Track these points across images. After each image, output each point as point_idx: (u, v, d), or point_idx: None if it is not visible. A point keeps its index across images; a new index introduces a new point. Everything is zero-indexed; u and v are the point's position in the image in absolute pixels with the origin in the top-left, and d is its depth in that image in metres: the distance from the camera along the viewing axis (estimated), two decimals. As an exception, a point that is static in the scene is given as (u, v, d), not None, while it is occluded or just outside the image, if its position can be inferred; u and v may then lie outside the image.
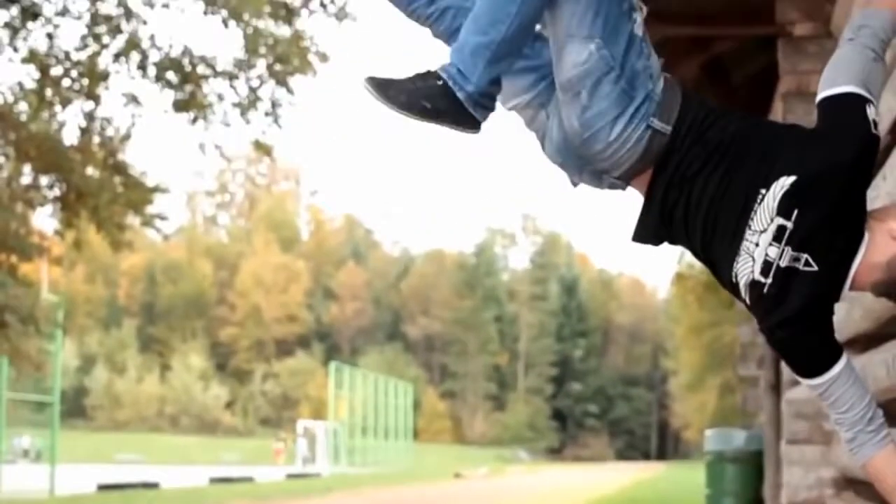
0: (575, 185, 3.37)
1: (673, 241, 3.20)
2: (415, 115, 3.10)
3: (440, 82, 3.06)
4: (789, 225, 2.93)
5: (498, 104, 3.22)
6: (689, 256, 26.34)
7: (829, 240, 2.93)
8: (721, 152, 3.03)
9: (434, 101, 3.07)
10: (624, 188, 3.20)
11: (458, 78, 3.06)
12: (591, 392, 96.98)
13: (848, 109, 2.97)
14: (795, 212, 2.92)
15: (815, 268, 2.93)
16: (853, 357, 5.37)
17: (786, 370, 8.05)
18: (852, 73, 3.01)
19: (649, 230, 3.19)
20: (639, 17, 3.06)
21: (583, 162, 3.17)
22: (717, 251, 3.09)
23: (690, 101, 3.10)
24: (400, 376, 68.30)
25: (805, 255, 2.93)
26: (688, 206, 3.07)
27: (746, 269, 3.01)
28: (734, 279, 3.04)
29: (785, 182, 2.93)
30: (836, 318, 5.37)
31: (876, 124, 2.96)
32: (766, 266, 2.97)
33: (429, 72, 3.10)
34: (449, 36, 3.26)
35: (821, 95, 3.03)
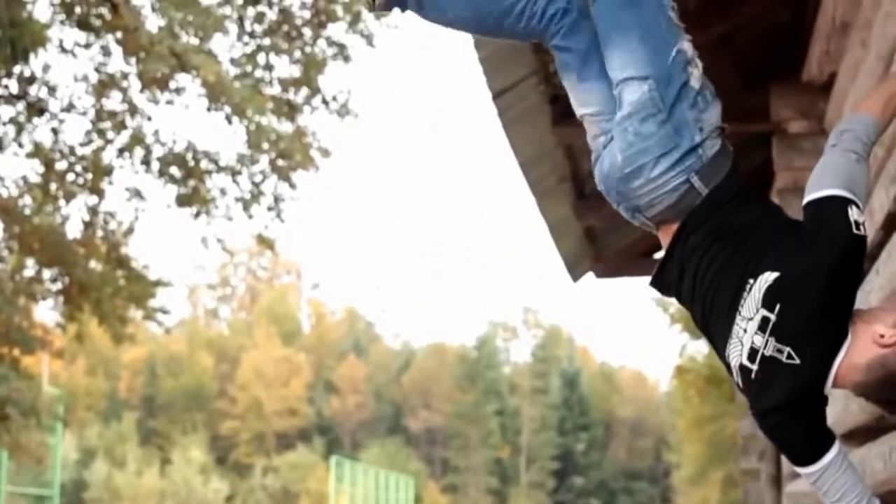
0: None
1: (681, 301, 3.30)
2: None
3: None
4: (772, 317, 3.02)
5: None
6: (690, 349, 26.27)
7: (811, 336, 3.01)
8: (732, 234, 3.15)
9: None
10: (654, 231, 3.33)
11: None
12: (593, 486, 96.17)
13: (830, 212, 3.06)
14: (778, 306, 3.00)
15: (797, 361, 3.01)
16: (851, 450, 5.40)
17: (786, 463, 8.07)
18: (835, 177, 3.11)
19: (665, 281, 3.31)
20: (695, 71, 3.22)
21: (621, 197, 3.29)
22: (713, 328, 3.20)
23: (735, 176, 3.23)
24: (401, 470, 67.79)
25: (788, 349, 3.00)
26: (695, 277, 3.20)
27: (736, 352, 3.10)
28: (727, 359, 3.13)
29: (769, 277, 3.03)
30: (833, 411, 5.42)
31: (858, 225, 3.04)
32: (753, 353, 3.06)
33: None
34: (550, 38, 3.40)
35: (805, 199, 3.12)
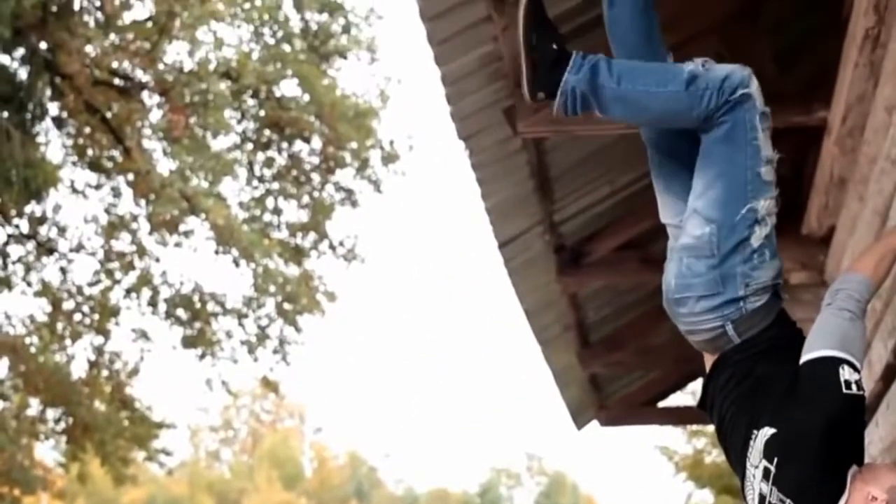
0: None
1: (713, 424, 3.42)
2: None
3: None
4: (773, 469, 3.08)
5: None
6: (695, 499, 26.03)
7: (808, 491, 3.07)
8: (749, 384, 3.25)
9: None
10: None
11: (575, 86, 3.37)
12: None
13: (821, 373, 3.15)
14: (776, 460, 3.07)
15: None
16: None
17: None
18: (829, 337, 3.19)
19: (705, 408, 3.43)
20: (761, 230, 3.31)
21: (671, 313, 3.42)
22: (734, 465, 3.30)
23: (773, 329, 3.32)
24: None
25: (789, 500, 3.05)
26: (720, 416, 3.32)
27: (750, 494, 3.18)
28: (746, 499, 3.19)
29: (767, 432, 3.11)
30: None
31: (849, 384, 3.10)
32: (762, 499, 3.13)
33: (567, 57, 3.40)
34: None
35: (801, 360, 3.19)
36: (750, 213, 3.29)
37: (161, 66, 16.22)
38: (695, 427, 17.17)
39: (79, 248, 16.62)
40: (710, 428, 3.46)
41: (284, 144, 17.06)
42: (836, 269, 6.38)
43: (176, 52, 16.71)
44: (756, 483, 3.13)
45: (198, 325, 16.70)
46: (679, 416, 10.86)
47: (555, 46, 3.43)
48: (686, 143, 3.45)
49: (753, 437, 3.14)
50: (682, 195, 3.45)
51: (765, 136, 3.37)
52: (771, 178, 3.37)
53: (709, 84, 3.32)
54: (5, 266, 16.24)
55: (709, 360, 3.40)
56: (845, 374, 3.11)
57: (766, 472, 3.09)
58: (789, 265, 6.93)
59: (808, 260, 6.85)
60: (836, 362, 3.14)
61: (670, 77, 3.36)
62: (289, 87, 16.90)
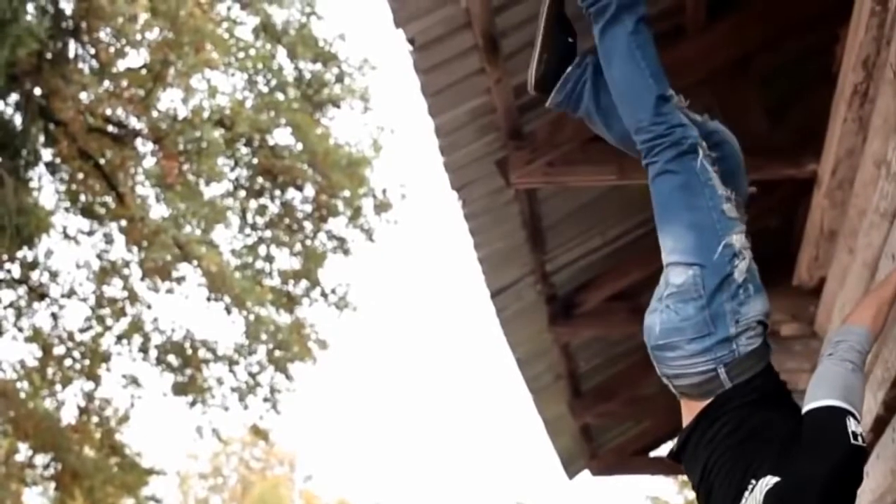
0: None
1: (689, 477, 3.36)
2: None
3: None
4: None
5: None
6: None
7: None
8: (742, 434, 3.20)
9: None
10: (679, 397, 3.40)
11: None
12: None
13: (827, 423, 3.12)
14: None
15: None
16: None
17: None
18: (832, 387, 3.18)
19: (681, 458, 3.38)
20: (741, 264, 3.32)
21: (654, 359, 3.40)
22: None
23: (762, 378, 3.29)
24: None
25: None
26: (704, 468, 3.25)
27: None
28: None
29: (769, 481, 3.06)
30: None
31: (856, 435, 3.09)
32: None
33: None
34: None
35: (804, 408, 3.19)
36: (727, 250, 3.31)
37: (155, 114, 16.28)
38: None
39: (70, 293, 16.62)
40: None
41: (277, 192, 17.10)
42: (826, 321, 6.40)
43: (170, 100, 16.83)
44: None
45: (189, 371, 16.67)
46: (671, 467, 10.77)
47: (570, 40, 3.58)
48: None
49: (750, 487, 3.08)
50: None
51: (716, 175, 3.41)
52: (735, 214, 3.40)
53: (671, 116, 3.41)
54: (-4, 311, 16.23)
55: (688, 410, 3.35)
56: (852, 425, 3.10)
57: None
58: (780, 316, 6.95)
59: (798, 311, 6.87)
60: (842, 413, 3.12)
61: (659, 77, 3.47)
62: (282, 136, 16.98)
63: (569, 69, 3.55)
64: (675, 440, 3.44)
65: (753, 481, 3.09)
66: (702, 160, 3.39)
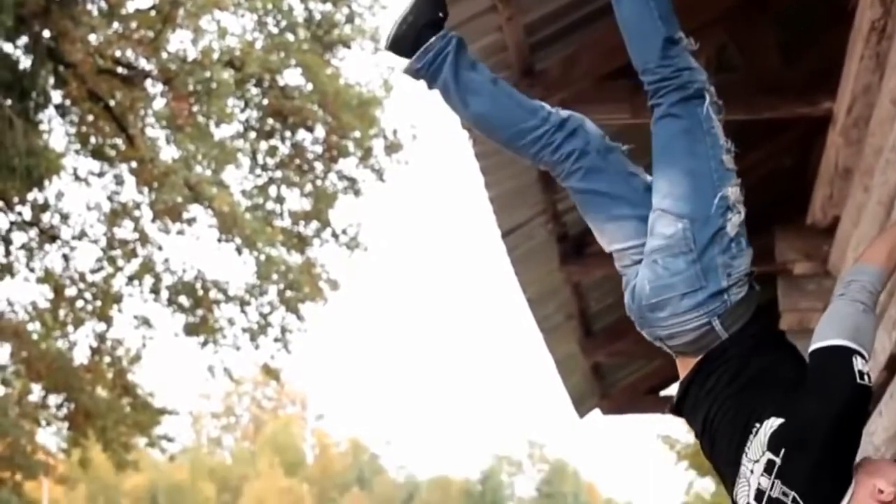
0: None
1: (692, 429, 3.35)
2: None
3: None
4: (778, 461, 3.04)
5: None
6: (696, 487, 26.06)
7: (816, 482, 3.03)
8: (742, 381, 3.19)
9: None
10: (674, 356, 3.37)
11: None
12: None
13: (835, 362, 3.11)
14: (783, 451, 3.03)
15: None
16: None
17: None
18: (841, 327, 3.16)
19: (682, 412, 3.36)
20: (734, 217, 3.26)
21: (645, 322, 3.35)
22: (722, 465, 3.23)
23: (754, 323, 3.27)
24: None
25: (793, 493, 3.02)
26: (705, 418, 3.24)
27: (743, 491, 3.11)
28: (735, 499, 3.16)
29: (774, 423, 3.06)
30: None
31: (863, 375, 3.08)
32: (759, 493, 3.07)
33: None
34: (567, 177, 3.47)
35: (811, 347, 3.17)
36: (722, 202, 3.25)
37: (164, 55, 16.23)
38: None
39: (81, 235, 16.65)
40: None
41: (287, 133, 17.06)
42: (840, 260, 6.38)
43: (179, 41, 16.74)
44: (754, 478, 3.07)
45: (200, 312, 16.72)
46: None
47: (440, 14, 3.48)
48: (610, 171, 3.45)
49: (755, 430, 3.09)
50: (630, 212, 3.40)
51: (720, 124, 3.35)
52: (732, 166, 3.33)
53: (679, 62, 3.35)
54: (8, 253, 16.27)
55: (684, 364, 3.32)
56: (859, 364, 3.09)
57: (770, 465, 3.04)
58: (793, 255, 6.94)
59: (812, 250, 6.84)
60: (849, 352, 3.10)
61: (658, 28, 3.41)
62: (292, 77, 16.92)
63: (432, 39, 3.44)
64: (675, 395, 3.41)
65: (758, 425, 3.09)
66: (707, 107, 3.33)
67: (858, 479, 3.07)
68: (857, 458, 3.12)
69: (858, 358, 3.10)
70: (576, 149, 3.43)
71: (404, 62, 3.50)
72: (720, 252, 3.23)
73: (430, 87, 3.51)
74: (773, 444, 3.06)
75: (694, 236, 3.22)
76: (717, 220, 3.24)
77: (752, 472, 3.09)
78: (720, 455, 3.22)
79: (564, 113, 3.49)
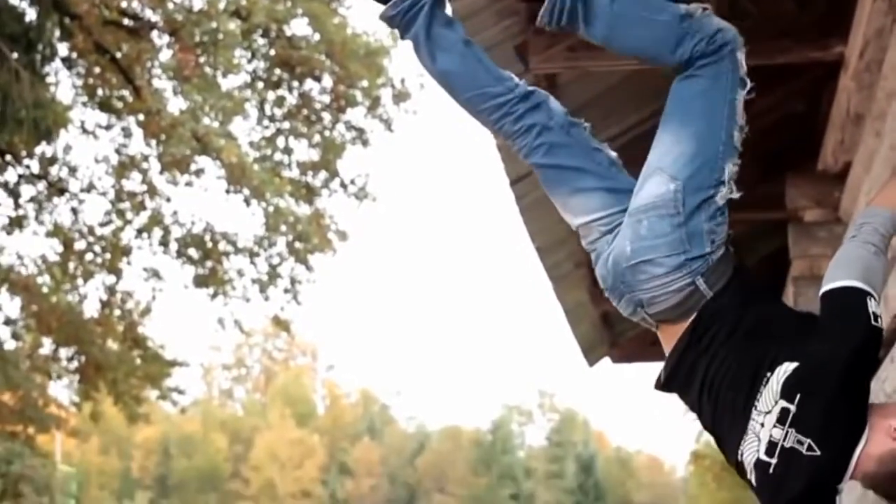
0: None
1: (683, 401, 3.30)
2: None
3: None
4: (792, 408, 3.00)
5: None
6: (706, 435, 26.18)
7: (832, 428, 3.00)
8: (741, 334, 3.14)
9: None
10: (654, 328, 3.30)
11: None
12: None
13: (849, 303, 3.08)
14: (798, 396, 3.00)
15: (818, 453, 2.99)
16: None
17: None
18: (853, 269, 3.13)
19: (671, 384, 3.29)
20: (724, 190, 3.22)
21: (625, 287, 3.27)
22: (725, 428, 3.16)
23: (735, 278, 3.22)
24: (414, 554, 67.22)
25: (809, 440, 2.99)
26: (703, 381, 3.18)
27: (752, 448, 3.07)
28: (740, 457, 3.11)
29: (787, 368, 3.02)
30: (850, 499, 5.39)
31: (876, 317, 3.05)
32: (772, 446, 3.03)
33: None
34: (529, 152, 3.42)
35: (822, 290, 3.14)
36: (718, 174, 3.21)
37: (170, 6, 16.14)
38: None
39: (90, 188, 16.64)
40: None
41: (295, 83, 16.98)
42: (851, 206, 6.33)
43: (185, -9, 16.62)
44: (764, 431, 3.03)
45: (209, 264, 16.73)
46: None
47: None
48: (574, 145, 3.41)
49: (765, 380, 3.04)
50: (595, 183, 3.36)
51: (741, 100, 3.28)
52: (739, 147, 3.27)
53: (702, 28, 3.26)
54: (17, 206, 16.27)
55: (670, 335, 3.25)
56: (872, 306, 3.06)
57: (784, 413, 3.00)
58: (804, 202, 6.90)
59: (823, 197, 6.81)
60: (863, 294, 3.08)
61: (666, 8, 3.29)
62: (299, 26, 16.81)
63: None
64: (663, 368, 3.31)
65: (768, 374, 3.05)
66: (736, 75, 3.27)
67: (872, 421, 3.04)
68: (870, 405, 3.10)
69: (871, 300, 3.07)
70: (538, 123, 3.40)
71: (380, 7, 3.43)
72: (707, 219, 3.19)
73: (403, 36, 3.45)
74: (787, 390, 3.02)
75: (684, 199, 3.17)
76: (709, 190, 3.20)
77: (762, 425, 3.05)
78: (723, 417, 3.16)
79: (530, 87, 3.45)
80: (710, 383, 3.16)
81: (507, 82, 3.42)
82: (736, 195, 3.26)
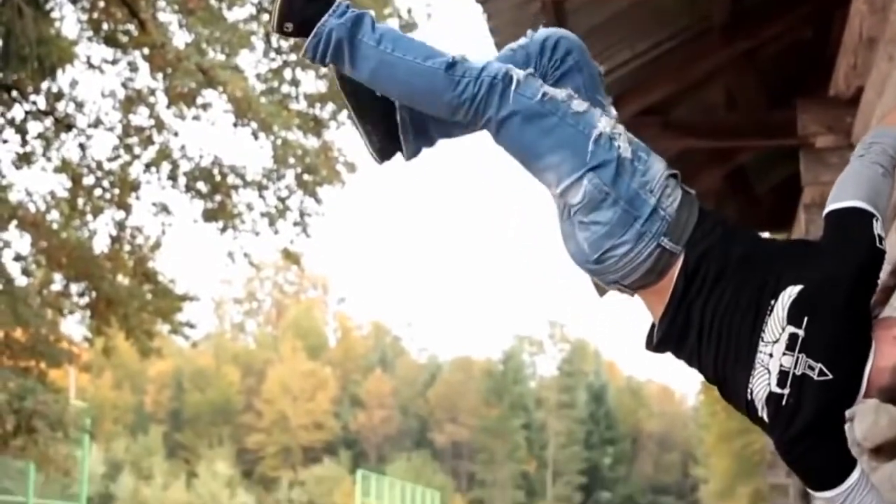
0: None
1: (679, 357, 3.25)
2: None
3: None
4: (801, 333, 2.97)
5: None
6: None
7: (840, 348, 2.97)
8: (730, 273, 3.09)
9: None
10: (632, 295, 3.27)
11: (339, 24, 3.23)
12: (620, 500, 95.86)
13: (854, 224, 3.04)
14: (805, 319, 2.96)
15: (830, 376, 2.96)
16: (879, 465, 5.38)
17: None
18: (859, 189, 3.08)
19: (662, 343, 3.24)
20: (620, 142, 3.16)
21: (595, 274, 3.27)
22: (730, 371, 3.12)
23: (705, 221, 3.17)
24: (427, 484, 67.75)
25: (819, 365, 2.95)
26: (701, 324, 3.12)
27: (763, 382, 3.03)
28: (750, 396, 3.06)
29: (792, 291, 2.98)
30: (862, 427, 5.40)
31: (881, 239, 3.01)
32: (783, 376, 2.99)
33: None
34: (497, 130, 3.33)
35: (827, 209, 3.09)
36: (601, 140, 3.15)
37: (174, -63, 16.00)
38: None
39: (97, 123, 16.57)
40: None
41: (301, 14, 16.83)
42: (863, 131, 6.27)
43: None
44: (774, 362, 3.00)
45: (218, 198, 16.70)
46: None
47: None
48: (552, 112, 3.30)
49: (769, 309, 3.01)
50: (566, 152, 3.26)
51: (542, 83, 3.22)
52: (584, 106, 3.21)
53: (466, 73, 3.20)
54: (25, 143, 16.21)
55: (655, 296, 3.20)
56: (877, 228, 3.03)
57: (793, 339, 2.97)
58: (815, 128, 6.84)
59: (834, 122, 6.74)
60: (868, 215, 3.05)
61: (432, 55, 3.24)
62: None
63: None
64: (655, 329, 3.26)
65: (772, 301, 3.01)
66: (521, 82, 3.19)
67: (877, 335, 3.01)
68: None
69: (877, 222, 3.04)
70: (558, 59, 3.34)
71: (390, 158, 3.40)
72: (630, 178, 3.13)
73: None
74: (794, 314, 2.98)
75: (601, 181, 3.11)
76: (609, 154, 3.14)
77: (771, 355, 3.01)
78: (727, 356, 3.11)
79: (538, 36, 3.39)
80: (709, 325, 3.11)
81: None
82: (620, 131, 3.21)
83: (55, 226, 16.48)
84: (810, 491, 3.15)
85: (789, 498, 12.18)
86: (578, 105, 3.20)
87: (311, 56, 3.26)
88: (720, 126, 7.83)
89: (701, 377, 3.23)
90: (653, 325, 3.26)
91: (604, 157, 3.13)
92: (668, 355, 3.27)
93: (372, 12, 3.26)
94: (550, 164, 3.16)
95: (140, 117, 16.69)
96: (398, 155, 3.43)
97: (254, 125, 16.16)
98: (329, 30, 3.22)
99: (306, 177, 16.70)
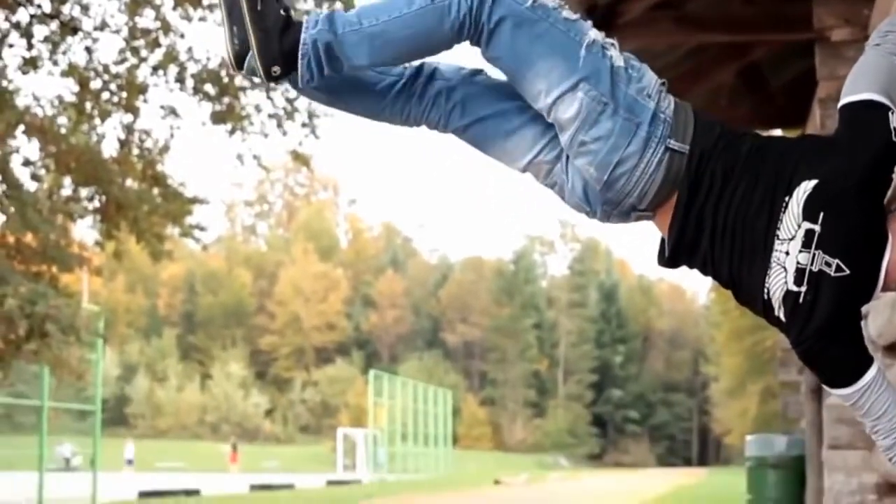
0: (602, 222, 3.32)
1: (692, 266, 3.18)
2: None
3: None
4: (817, 228, 2.90)
5: None
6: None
7: (856, 243, 2.91)
8: (739, 171, 3.01)
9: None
10: (652, 218, 3.18)
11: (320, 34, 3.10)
12: (631, 398, 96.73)
13: (870, 116, 2.94)
14: (822, 214, 2.90)
15: (847, 272, 2.90)
16: (894, 362, 5.35)
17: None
18: (874, 80, 2.98)
19: (677, 257, 3.17)
20: (613, 51, 3.08)
21: (610, 206, 3.17)
22: (745, 272, 3.05)
23: (702, 119, 3.09)
24: (439, 383, 68.35)
25: (836, 261, 2.90)
26: (714, 226, 3.04)
27: (780, 280, 2.97)
28: (766, 295, 3.00)
29: (807, 186, 2.91)
30: (877, 324, 5.36)
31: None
32: (800, 273, 2.93)
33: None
34: (448, 120, 3.32)
35: (841, 102, 3.01)
36: (594, 47, 3.05)
37: None
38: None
39: (103, 26, 16.40)
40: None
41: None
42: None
43: None
44: (790, 259, 2.93)
45: (226, 100, 16.58)
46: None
47: (282, 12, 3.15)
48: (484, 94, 3.28)
49: (784, 205, 2.93)
50: (523, 119, 3.23)
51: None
52: (574, 14, 3.12)
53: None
54: (30, 47, 16.07)
55: (664, 214, 3.12)
56: (893, 120, 2.93)
57: (809, 235, 2.90)
58: (831, 21, 6.73)
59: (851, 16, 6.63)
60: (884, 108, 2.94)
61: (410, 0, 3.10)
62: None
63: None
64: (665, 242, 3.17)
65: (787, 198, 2.94)
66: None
67: (893, 228, 2.95)
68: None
69: (893, 115, 2.93)
70: (441, 89, 3.27)
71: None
72: (626, 85, 3.04)
73: (334, 69, 3.18)
74: (810, 209, 2.91)
75: (597, 93, 3.01)
76: (602, 63, 3.04)
77: (787, 253, 2.94)
78: (742, 257, 3.03)
79: (415, 64, 3.29)
80: (722, 225, 3.03)
81: (392, 71, 3.27)
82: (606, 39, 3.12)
83: (63, 130, 16.40)
84: (826, 388, 3.10)
85: (800, 395, 12.21)
86: (570, 14, 3.12)
87: (309, 76, 3.12)
88: (734, 20, 7.71)
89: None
90: (662, 240, 3.18)
91: (596, 64, 3.04)
92: (683, 268, 3.21)
93: (339, 5, 3.14)
94: (540, 70, 3.06)
95: (146, 20, 16.52)
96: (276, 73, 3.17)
97: (261, 25, 15.99)
98: (312, 41, 3.09)
99: (314, 76, 16.57)
